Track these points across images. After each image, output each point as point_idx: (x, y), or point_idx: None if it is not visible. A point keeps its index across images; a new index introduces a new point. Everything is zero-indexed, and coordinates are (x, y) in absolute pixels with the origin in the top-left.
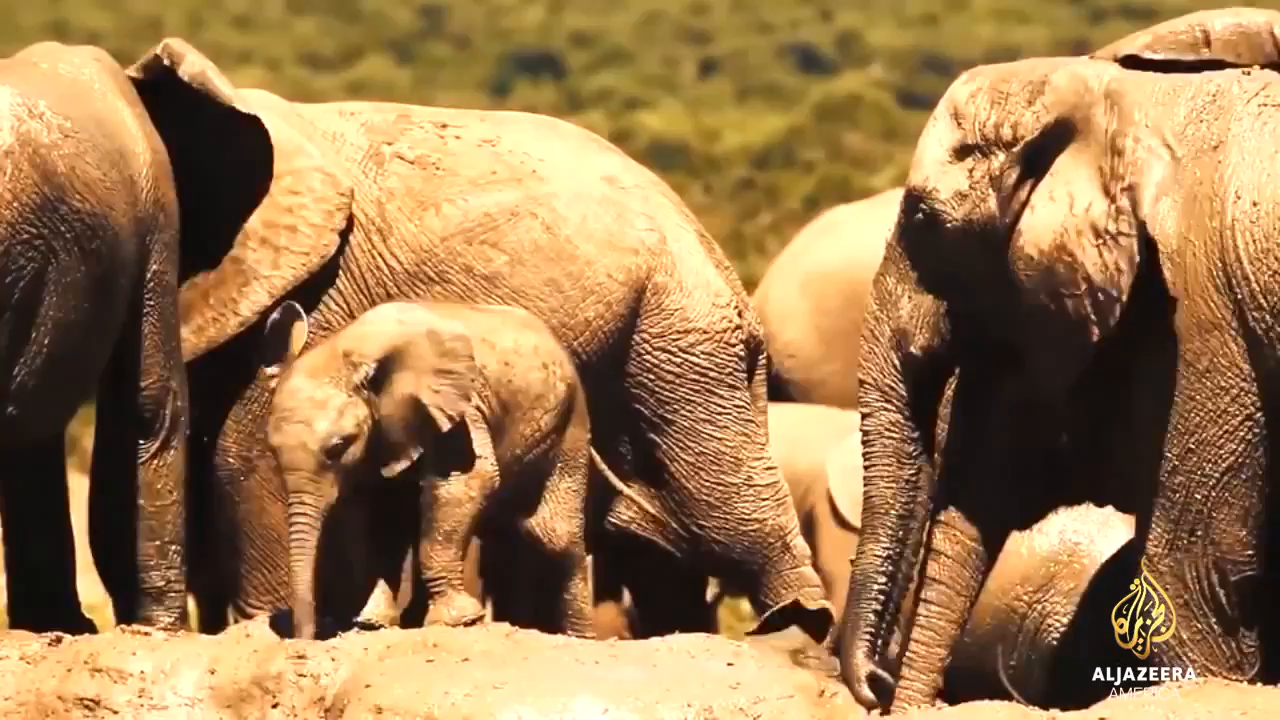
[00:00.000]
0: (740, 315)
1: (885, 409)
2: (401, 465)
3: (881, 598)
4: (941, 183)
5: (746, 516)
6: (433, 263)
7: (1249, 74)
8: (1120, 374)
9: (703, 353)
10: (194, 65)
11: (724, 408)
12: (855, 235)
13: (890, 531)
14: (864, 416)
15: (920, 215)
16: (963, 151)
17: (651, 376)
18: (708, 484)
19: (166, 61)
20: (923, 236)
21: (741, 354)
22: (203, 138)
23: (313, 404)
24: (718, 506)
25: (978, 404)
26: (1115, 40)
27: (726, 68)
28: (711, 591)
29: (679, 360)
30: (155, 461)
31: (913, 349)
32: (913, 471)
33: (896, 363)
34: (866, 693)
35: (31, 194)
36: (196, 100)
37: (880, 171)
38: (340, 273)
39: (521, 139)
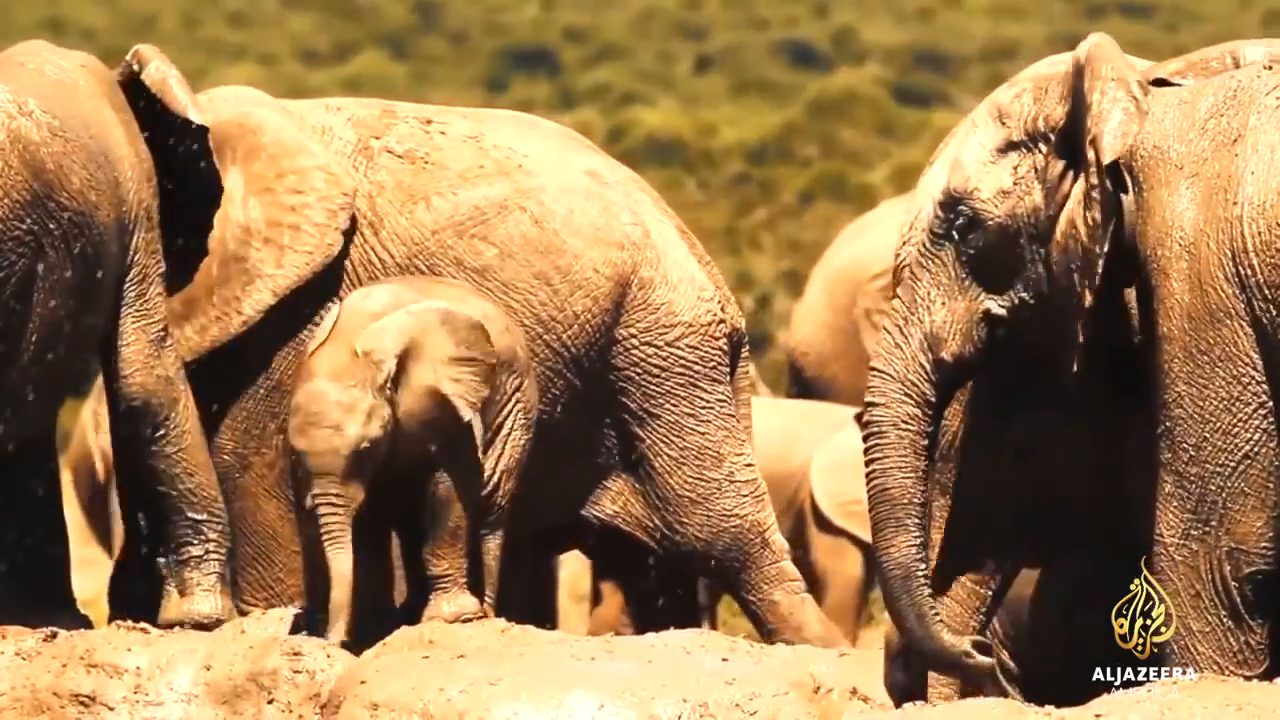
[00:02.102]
0: (724, 309)
1: (904, 402)
2: (434, 447)
3: (928, 582)
4: (984, 182)
5: (727, 512)
6: (424, 256)
7: (1270, 69)
8: (1136, 386)
9: (688, 347)
10: (155, 72)
11: (707, 402)
12: (872, 236)
13: (917, 520)
14: (875, 406)
15: (961, 218)
16: (1007, 149)
17: (638, 370)
18: (690, 479)
19: (135, 67)
20: (963, 238)
21: (725, 348)
22: (172, 143)
23: (341, 408)
24: (700, 502)
25: (993, 437)
26: (1112, 35)
27: (722, 63)
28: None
29: (665, 355)
30: (169, 448)
31: (944, 355)
32: (925, 464)
33: (924, 364)
34: (984, 659)
35: (22, 190)
36: (159, 106)
37: (875, 168)
38: (333, 269)
39: (504, 135)
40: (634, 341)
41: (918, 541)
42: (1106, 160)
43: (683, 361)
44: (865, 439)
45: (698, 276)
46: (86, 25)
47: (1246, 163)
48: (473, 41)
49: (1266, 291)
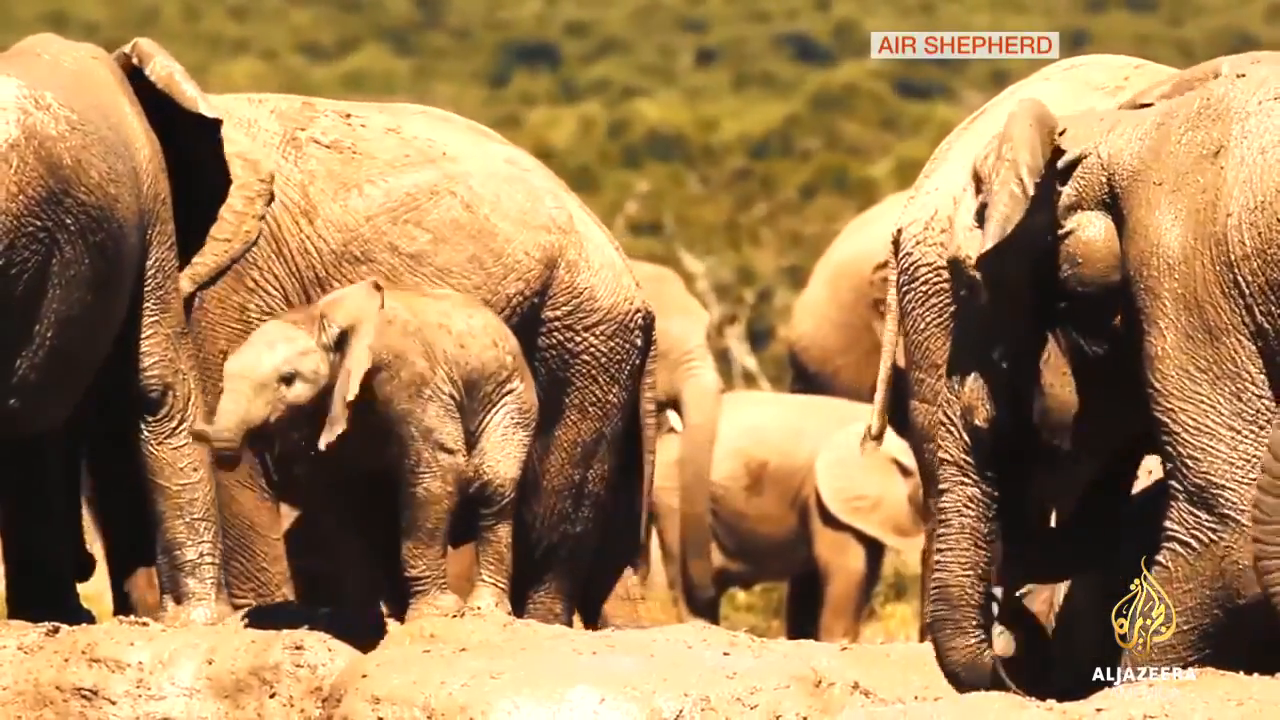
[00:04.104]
0: (637, 293)
1: (962, 483)
2: (334, 434)
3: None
4: (971, 247)
5: (568, 514)
6: (359, 242)
7: (1243, 75)
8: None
9: (602, 336)
10: (161, 67)
11: (597, 400)
12: (874, 230)
13: (974, 620)
14: (941, 492)
15: (964, 287)
16: (983, 209)
17: (552, 353)
18: (553, 469)
19: (135, 61)
20: (970, 306)
21: (638, 341)
22: (169, 136)
23: (281, 333)
24: (552, 494)
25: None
26: (1115, 30)
27: (723, 57)
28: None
29: (577, 341)
30: (174, 440)
31: (977, 422)
32: (987, 556)
33: (968, 439)
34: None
35: (37, 187)
36: (162, 100)
37: (877, 161)
38: (274, 258)
39: (421, 127)
40: (556, 324)
41: (976, 641)
42: (984, 248)
43: (590, 351)
44: (937, 524)
45: (617, 262)
46: (88, 19)
47: (1236, 172)
48: (475, 36)
49: (1270, 294)
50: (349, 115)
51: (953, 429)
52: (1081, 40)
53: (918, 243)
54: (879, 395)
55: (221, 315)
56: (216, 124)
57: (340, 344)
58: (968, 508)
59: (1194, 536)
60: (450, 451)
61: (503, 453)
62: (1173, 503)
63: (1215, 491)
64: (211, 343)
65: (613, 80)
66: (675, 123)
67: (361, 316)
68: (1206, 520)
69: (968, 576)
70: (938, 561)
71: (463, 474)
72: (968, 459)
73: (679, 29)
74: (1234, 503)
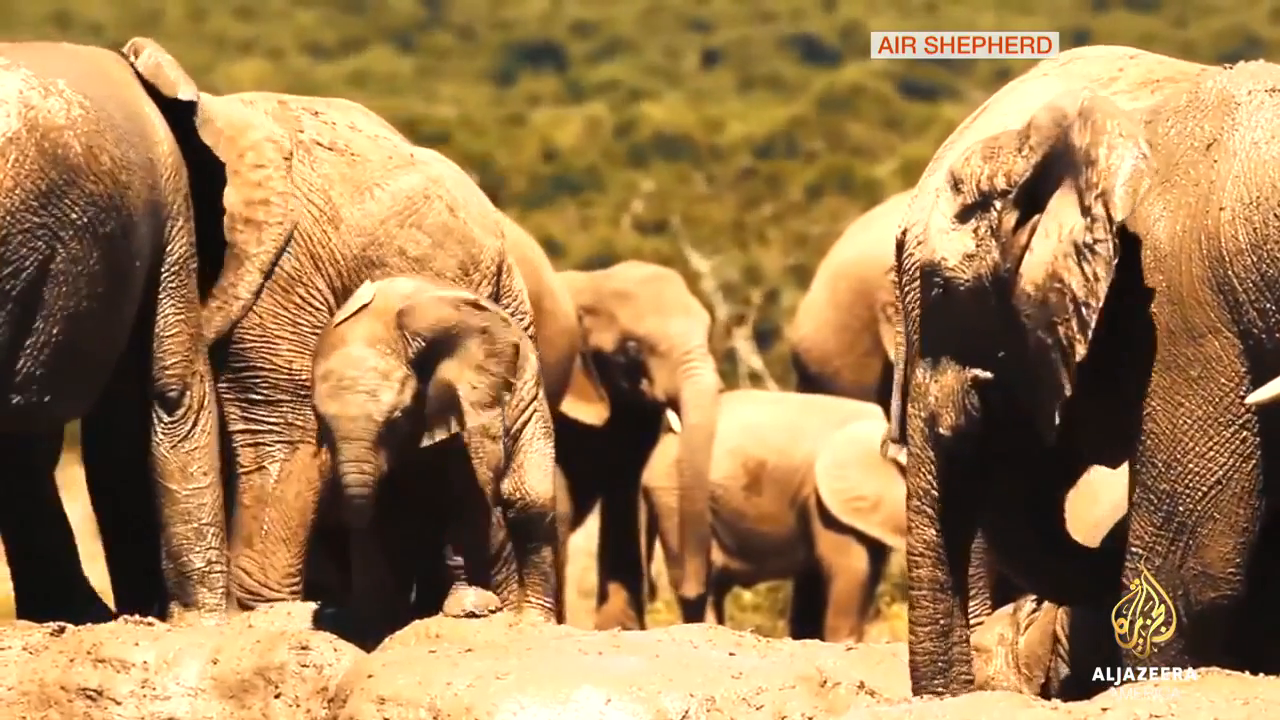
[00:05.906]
0: None
1: (924, 525)
2: (439, 437)
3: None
4: (948, 249)
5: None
6: (375, 246)
7: (1229, 67)
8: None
9: (529, 336)
10: (149, 58)
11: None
12: (875, 231)
13: (940, 681)
14: (909, 529)
15: (936, 290)
16: (964, 213)
17: None
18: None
19: (131, 57)
20: (941, 310)
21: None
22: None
23: (377, 375)
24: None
25: (1010, 496)
26: (1119, 29)
27: (729, 58)
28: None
29: None
30: (186, 444)
31: (941, 429)
32: (948, 605)
33: (933, 457)
34: None
35: (36, 180)
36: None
37: (882, 162)
38: (311, 261)
39: (369, 126)
40: None
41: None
42: (1119, 216)
43: None
44: (909, 562)
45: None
46: (93, 19)
47: (1229, 166)
48: (480, 36)
49: (1258, 294)
50: (317, 113)
51: (912, 447)
52: (1083, 40)
53: (921, 243)
54: (895, 399)
55: (278, 329)
56: (190, 106)
57: (426, 356)
58: (925, 556)
59: (1152, 549)
60: (494, 439)
61: (541, 470)
62: (1134, 509)
63: (1175, 501)
64: (272, 354)
65: (619, 81)
66: (681, 123)
67: (449, 331)
68: (1163, 530)
69: (929, 644)
70: (910, 619)
71: (502, 462)
72: (927, 487)
73: (685, 30)
74: (1191, 510)
